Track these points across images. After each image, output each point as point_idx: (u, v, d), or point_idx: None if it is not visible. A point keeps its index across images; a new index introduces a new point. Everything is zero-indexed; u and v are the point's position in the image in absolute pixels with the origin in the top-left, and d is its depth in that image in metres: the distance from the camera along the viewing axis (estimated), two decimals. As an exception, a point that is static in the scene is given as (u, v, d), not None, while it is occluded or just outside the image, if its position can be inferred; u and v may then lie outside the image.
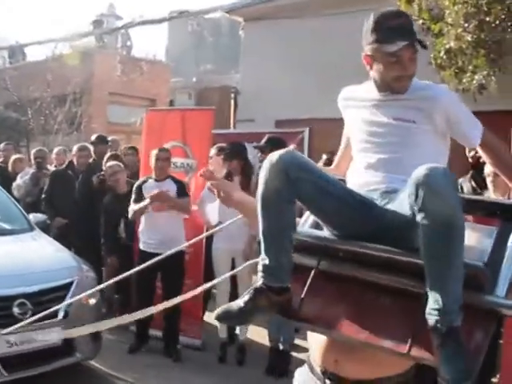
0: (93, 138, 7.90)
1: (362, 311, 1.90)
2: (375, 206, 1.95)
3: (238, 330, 5.83)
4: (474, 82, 6.59)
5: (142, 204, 5.84)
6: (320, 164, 5.05)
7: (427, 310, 1.75)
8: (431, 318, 1.73)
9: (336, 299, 1.97)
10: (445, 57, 6.48)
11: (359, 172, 2.11)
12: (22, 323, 3.71)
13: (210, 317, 5.98)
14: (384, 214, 1.91)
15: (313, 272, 2.00)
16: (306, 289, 1.99)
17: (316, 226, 2.13)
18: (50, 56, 20.72)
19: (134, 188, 6.09)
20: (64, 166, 7.89)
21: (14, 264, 4.94)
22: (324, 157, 6.95)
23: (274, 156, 1.89)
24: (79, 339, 4.63)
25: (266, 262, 1.94)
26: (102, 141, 7.81)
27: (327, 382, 2.01)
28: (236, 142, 6.46)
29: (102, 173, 6.88)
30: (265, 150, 5.48)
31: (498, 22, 6.24)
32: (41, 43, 19.67)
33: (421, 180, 1.67)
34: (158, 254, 3.27)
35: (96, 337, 4.95)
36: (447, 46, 6.38)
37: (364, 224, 1.92)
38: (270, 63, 10.82)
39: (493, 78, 6.56)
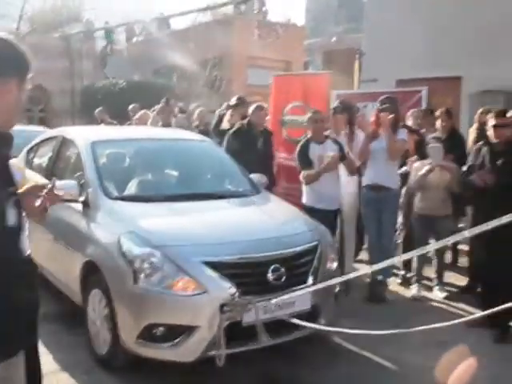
0: (233, 100, 8.42)
1: None
2: None
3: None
4: None
5: (317, 170, 6.09)
6: None
7: None
8: None
9: None
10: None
11: None
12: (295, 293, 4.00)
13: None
14: None
15: None
16: None
17: None
18: (191, 25, 22.18)
19: (298, 152, 6.29)
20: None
21: (262, 228, 4.76)
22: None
23: None
24: (324, 304, 4.62)
25: None
26: (242, 102, 8.27)
27: None
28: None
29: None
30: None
31: None
32: (183, 14, 21.02)
33: None
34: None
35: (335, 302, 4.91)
36: None
37: None
38: (392, 23, 11.21)
39: None
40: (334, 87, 9.16)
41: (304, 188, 6.36)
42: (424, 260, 6.44)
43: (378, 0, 12.37)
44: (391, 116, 6.17)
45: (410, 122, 7.59)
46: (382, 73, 11.25)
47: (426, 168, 6.24)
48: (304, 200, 6.34)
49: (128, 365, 4.36)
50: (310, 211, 5.74)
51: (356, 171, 6.52)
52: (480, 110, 7.67)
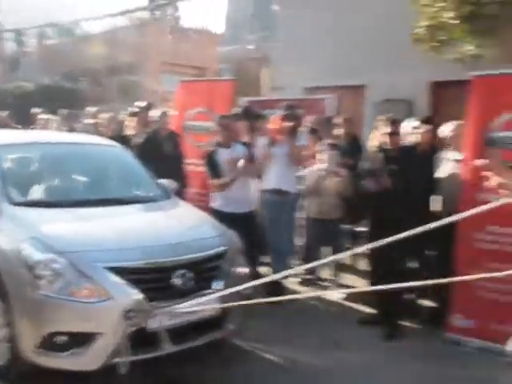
0: (136, 106, 8.50)
1: None
2: None
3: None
4: (470, 51, 7.36)
5: (230, 178, 6.15)
6: None
7: None
8: None
9: None
10: (425, 31, 7.28)
11: None
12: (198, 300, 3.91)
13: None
14: None
15: None
16: None
17: None
18: (106, 29, 21.88)
19: (206, 159, 6.27)
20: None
21: (169, 233, 4.71)
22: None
23: None
24: (232, 311, 4.52)
25: None
26: (145, 109, 8.32)
27: None
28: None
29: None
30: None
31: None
32: (98, 18, 20.72)
33: None
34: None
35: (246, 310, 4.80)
36: (425, 23, 7.20)
37: None
38: (302, 33, 11.50)
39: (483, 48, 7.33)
40: (243, 94, 9.30)
41: (212, 192, 6.43)
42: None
43: (288, 10, 12.61)
44: (291, 123, 6.37)
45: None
46: (291, 80, 11.47)
47: (320, 174, 6.47)
48: (212, 204, 6.39)
49: (26, 376, 4.23)
50: (219, 215, 5.80)
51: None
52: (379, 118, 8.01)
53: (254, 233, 6.33)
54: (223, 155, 6.24)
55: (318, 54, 11.12)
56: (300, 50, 11.57)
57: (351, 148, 7.02)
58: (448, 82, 9.24)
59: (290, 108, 6.60)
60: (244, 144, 6.45)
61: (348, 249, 7.29)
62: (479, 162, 5.33)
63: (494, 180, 1.54)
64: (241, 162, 6.10)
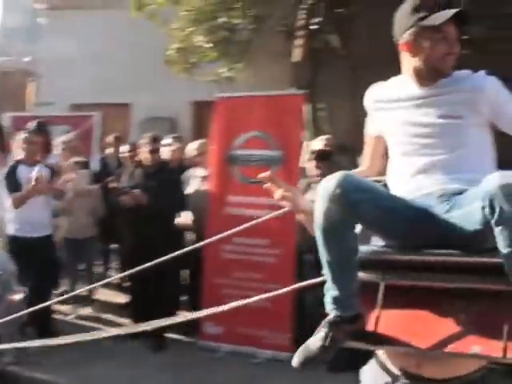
0: None
1: (442, 320, 1.81)
2: (435, 214, 1.85)
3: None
4: (224, 73, 7.88)
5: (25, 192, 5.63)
6: None
7: None
8: None
9: (411, 312, 1.86)
10: (176, 54, 7.72)
11: (407, 177, 1.99)
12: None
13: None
14: (446, 223, 1.82)
15: (381, 288, 1.88)
16: (378, 307, 1.87)
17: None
18: None
19: (6, 175, 5.77)
20: None
21: None
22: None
23: (329, 183, 1.75)
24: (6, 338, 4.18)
25: (336, 293, 1.84)
26: None
27: (407, 381, 1.95)
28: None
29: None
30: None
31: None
32: None
33: (495, 193, 1.59)
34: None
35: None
36: (176, 46, 7.64)
37: (426, 232, 1.84)
38: (66, 48, 11.28)
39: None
40: (6, 109, 8.88)
41: (9, 214, 5.88)
42: (76, 279, 6.68)
43: (51, 24, 12.32)
44: (40, 140, 6.04)
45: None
46: (58, 96, 11.20)
47: (70, 193, 6.38)
48: (7, 228, 5.88)
49: None
50: (13, 239, 5.59)
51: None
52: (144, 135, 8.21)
53: (52, 257, 5.96)
54: (24, 173, 5.72)
55: (85, 71, 11.00)
56: (67, 66, 11.32)
57: (119, 166, 7.06)
58: (208, 102, 9.71)
59: (39, 125, 6.42)
60: (47, 166, 6.03)
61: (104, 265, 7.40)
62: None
63: (277, 193, 1.69)
64: (32, 180, 5.55)
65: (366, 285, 1.86)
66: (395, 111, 2.02)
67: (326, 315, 1.87)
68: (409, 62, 1.98)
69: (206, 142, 6.09)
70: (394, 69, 2.09)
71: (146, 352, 5.54)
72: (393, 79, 2.09)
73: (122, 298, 6.87)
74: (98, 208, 6.40)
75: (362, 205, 1.74)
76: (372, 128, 2.19)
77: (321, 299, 1.92)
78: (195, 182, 6.11)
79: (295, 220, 5.20)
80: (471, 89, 1.91)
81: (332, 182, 1.72)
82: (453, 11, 1.86)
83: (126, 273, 4.08)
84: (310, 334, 1.88)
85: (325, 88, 9.10)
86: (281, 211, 3.10)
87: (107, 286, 7.41)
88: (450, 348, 1.74)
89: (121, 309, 6.67)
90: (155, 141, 5.94)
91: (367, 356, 2.05)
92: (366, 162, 2.27)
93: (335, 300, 1.85)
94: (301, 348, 1.86)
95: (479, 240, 1.74)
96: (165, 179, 5.80)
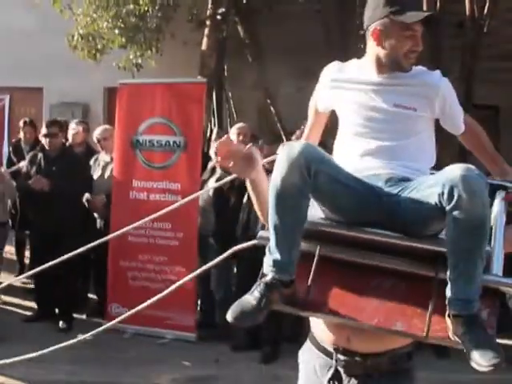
0: None
1: (371, 296, 1.90)
2: (384, 195, 1.93)
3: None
4: (134, 60, 7.98)
5: None
6: None
7: (450, 298, 1.78)
8: (455, 307, 1.76)
9: (343, 285, 1.94)
10: (80, 39, 7.76)
11: (355, 156, 2.06)
12: None
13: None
14: (395, 203, 1.90)
15: (316, 258, 1.96)
16: (311, 276, 1.94)
17: None
18: None
19: None
20: None
21: None
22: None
23: (293, 150, 1.78)
24: None
25: (278, 256, 1.87)
26: None
27: (340, 357, 2.04)
28: None
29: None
30: None
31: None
32: None
33: (456, 181, 1.67)
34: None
35: None
36: (80, 32, 7.70)
37: (372, 211, 1.91)
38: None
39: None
40: None
41: None
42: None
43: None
44: None
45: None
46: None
47: None
48: None
49: None
50: None
51: None
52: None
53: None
54: None
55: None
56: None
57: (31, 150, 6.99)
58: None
59: None
60: None
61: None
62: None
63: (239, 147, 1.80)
64: None
65: (302, 254, 1.90)
66: (352, 92, 2.08)
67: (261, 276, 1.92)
68: (373, 50, 2.04)
69: (110, 127, 6.19)
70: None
71: (54, 333, 5.61)
72: (353, 61, 2.15)
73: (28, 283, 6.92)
74: (8, 192, 6.29)
75: (321, 176, 1.79)
76: (320, 104, 2.24)
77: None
78: (100, 166, 6.22)
79: (197, 205, 5.53)
80: (428, 85, 2.02)
81: (296, 150, 1.76)
82: (425, 14, 1.97)
83: (30, 272, 4.25)
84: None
85: (232, 77, 9.38)
86: (190, 197, 3.33)
87: (12, 269, 7.45)
88: (375, 322, 1.85)
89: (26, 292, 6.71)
90: (52, 125, 5.96)
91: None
92: (306, 133, 2.36)
93: (275, 263, 1.87)
94: (234, 304, 1.86)
95: (422, 226, 1.85)
96: (67, 163, 5.88)
